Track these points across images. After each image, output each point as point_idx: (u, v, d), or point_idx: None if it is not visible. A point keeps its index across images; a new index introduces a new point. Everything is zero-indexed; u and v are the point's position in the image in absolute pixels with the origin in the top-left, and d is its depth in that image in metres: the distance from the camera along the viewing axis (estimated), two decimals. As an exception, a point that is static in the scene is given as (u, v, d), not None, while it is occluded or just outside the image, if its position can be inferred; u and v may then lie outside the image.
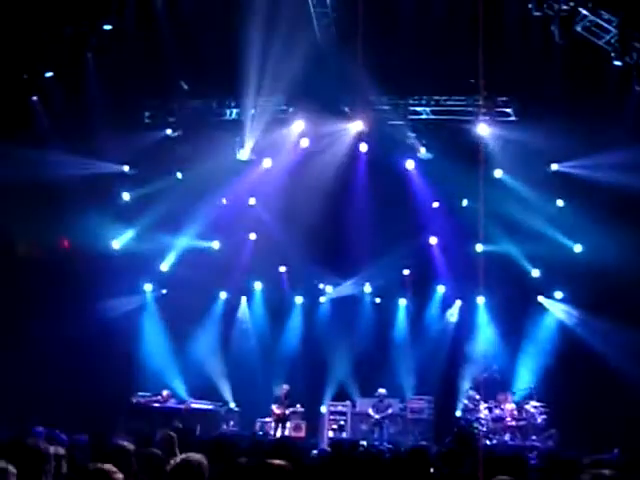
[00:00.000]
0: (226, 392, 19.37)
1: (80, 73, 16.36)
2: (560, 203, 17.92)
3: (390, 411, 18.17)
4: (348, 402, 18.94)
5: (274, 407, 18.11)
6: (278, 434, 17.65)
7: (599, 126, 15.41)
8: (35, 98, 16.64)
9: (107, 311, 17.92)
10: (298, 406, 18.21)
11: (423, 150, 18.37)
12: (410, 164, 18.91)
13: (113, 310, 18.18)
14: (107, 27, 15.88)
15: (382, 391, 18.37)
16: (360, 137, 18.49)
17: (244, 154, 18.47)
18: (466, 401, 17.62)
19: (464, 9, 14.43)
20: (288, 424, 18.01)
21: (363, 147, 18.71)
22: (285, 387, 18.38)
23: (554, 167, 17.60)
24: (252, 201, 19.73)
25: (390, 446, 11.06)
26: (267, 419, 18.28)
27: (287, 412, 18.03)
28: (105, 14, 15.67)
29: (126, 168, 18.52)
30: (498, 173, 17.85)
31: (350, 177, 18.80)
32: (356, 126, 18.22)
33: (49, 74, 16.31)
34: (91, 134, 16.60)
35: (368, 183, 18.66)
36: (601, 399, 16.34)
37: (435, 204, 19.30)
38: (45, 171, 16.08)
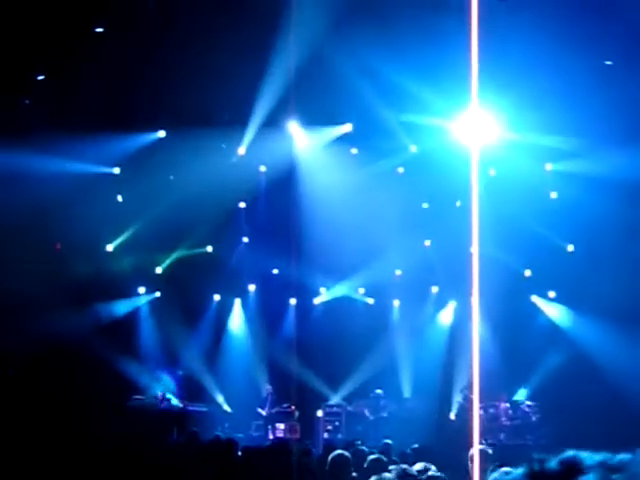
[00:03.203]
0: (220, 395, 19.37)
1: (72, 76, 16.33)
2: (554, 195, 18.02)
3: (386, 412, 18.21)
4: (343, 403, 18.95)
5: (259, 409, 18.25)
6: (270, 436, 17.69)
7: (592, 124, 15.49)
8: (27, 101, 16.65)
9: (101, 314, 17.91)
10: (287, 406, 18.22)
11: (414, 148, 18.41)
12: (401, 165, 19.01)
13: (107, 313, 18.18)
14: (99, 30, 15.88)
15: (379, 392, 18.44)
16: (350, 139, 18.57)
17: (237, 157, 18.49)
18: (462, 401, 17.65)
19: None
20: (282, 425, 18.01)
21: (353, 150, 18.85)
22: (268, 388, 18.53)
23: (549, 166, 17.68)
24: (243, 204, 19.81)
25: (389, 442, 11.05)
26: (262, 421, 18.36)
27: (273, 412, 18.11)
28: (98, 17, 15.66)
29: (117, 170, 18.49)
30: (492, 172, 17.93)
31: (341, 180, 18.80)
32: (346, 128, 18.30)
33: (41, 77, 16.30)
34: (83, 136, 16.57)
35: (359, 185, 18.66)
36: (595, 398, 16.40)
37: (425, 205, 19.42)
38: (36, 174, 16.06)
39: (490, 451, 7.20)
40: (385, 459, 6.87)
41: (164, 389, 18.41)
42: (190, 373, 19.18)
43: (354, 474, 6.76)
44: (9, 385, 15.61)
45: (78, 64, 16.17)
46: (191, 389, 19.01)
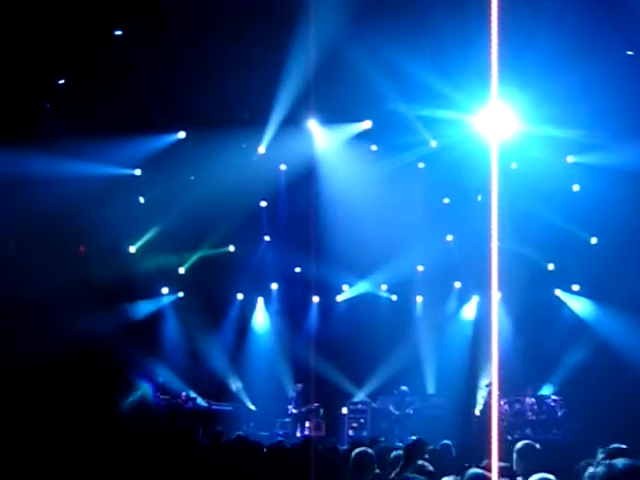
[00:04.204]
0: (244, 393, 19.44)
1: (92, 79, 16.41)
2: (576, 188, 17.95)
3: (411, 408, 18.19)
4: (368, 400, 18.95)
5: (290, 407, 18.30)
6: (298, 434, 17.75)
7: (614, 116, 15.38)
8: (48, 105, 16.77)
9: (124, 315, 18.02)
10: (315, 405, 18.26)
11: (434, 143, 18.37)
12: (421, 161, 19.00)
13: (131, 314, 18.29)
14: (118, 33, 15.96)
15: (404, 388, 18.43)
16: (370, 136, 18.56)
17: (257, 156, 18.53)
18: (486, 396, 17.57)
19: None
20: (307, 423, 18.07)
21: (373, 147, 18.86)
22: (298, 386, 18.58)
23: (570, 159, 17.60)
24: (264, 203, 19.86)
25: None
26: (287, 419, 18.39)
27: (303, 410, 18.17)
28: (116, 20, 15.74)
29: (138, 172, 18.59)
30: (513, 165, 17.86)
31: (361, 176, 18.78)
32: (365, 125, 18.30)
33: (61, 81, 16.42)
34: (104, 139, 16.65)
35: (379, 182, 18.63)
36: (621, 392, 16.28)
37: (446, 200, 19.38)
38: (58, 177, 16.18)
39: (538, 446, 7.17)
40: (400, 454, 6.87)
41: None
42: (213, 374, 19.28)
43: (377, 470, 6.77)
44: (35, 385, 15.73)
45: (98, 67, 16.24)
46: (215, 388, 19.09)
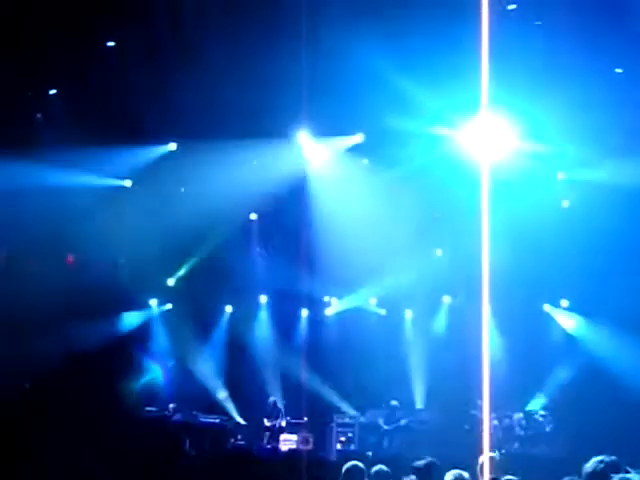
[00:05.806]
0: (232, 406, 19.36)
1: (83, 89, 16.42)
2: (566, 204, 18.02)
3: (402, 422, 18.15)
4: (356, 414, 18.91)
5: (265, 420, 18.22)
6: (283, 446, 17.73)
7: (605, 132, 15.47)
8: (39, 115, 16.77)
9: (113, 326, 17.97)
10: (305, 419, 18.19)
11: (426, 158, 18.42)
12: (413, 175, 19.01)
13: (119, 325, 18.25)
14: (110, 44, 15.98)
15: (394, 403, 18.40)
16: (360, 150, 18.59)
17: (248, 168, 18.52)
18: (475, 412, 17.57)
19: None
20: (294, 437, 17.98)
21: (364, 160, 18.89)
22: (271, 399, 18.55)
23: (561, 175, 17.68)
24: (254, 216, 19.84)
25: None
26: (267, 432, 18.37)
27: (274, 424, 18.13)
28: (108, 31, 15.75)
29: (128, 183, 18.55)
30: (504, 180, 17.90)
31: (352, 190, 18.80)
32: (355, 139, 18.35)
33: (52, 91, 16.42)
34: (94, 150, 16.65)
35: (370, 196, 18.65)
36: (609, 408, 16.31)
37: (436, 214, 19.40)
38: (48, 187, 16.17)
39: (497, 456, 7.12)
40: (386, 469, 6.86)
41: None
42: (201, 383, 19.22)
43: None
44: (25, 398, 15.68)
45: (89, 78, 16.25)
46: (204, 401, 19.01)
